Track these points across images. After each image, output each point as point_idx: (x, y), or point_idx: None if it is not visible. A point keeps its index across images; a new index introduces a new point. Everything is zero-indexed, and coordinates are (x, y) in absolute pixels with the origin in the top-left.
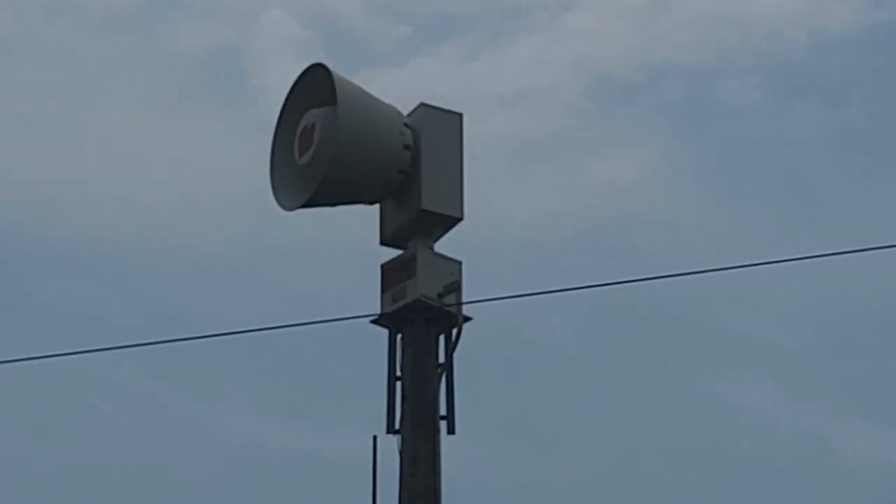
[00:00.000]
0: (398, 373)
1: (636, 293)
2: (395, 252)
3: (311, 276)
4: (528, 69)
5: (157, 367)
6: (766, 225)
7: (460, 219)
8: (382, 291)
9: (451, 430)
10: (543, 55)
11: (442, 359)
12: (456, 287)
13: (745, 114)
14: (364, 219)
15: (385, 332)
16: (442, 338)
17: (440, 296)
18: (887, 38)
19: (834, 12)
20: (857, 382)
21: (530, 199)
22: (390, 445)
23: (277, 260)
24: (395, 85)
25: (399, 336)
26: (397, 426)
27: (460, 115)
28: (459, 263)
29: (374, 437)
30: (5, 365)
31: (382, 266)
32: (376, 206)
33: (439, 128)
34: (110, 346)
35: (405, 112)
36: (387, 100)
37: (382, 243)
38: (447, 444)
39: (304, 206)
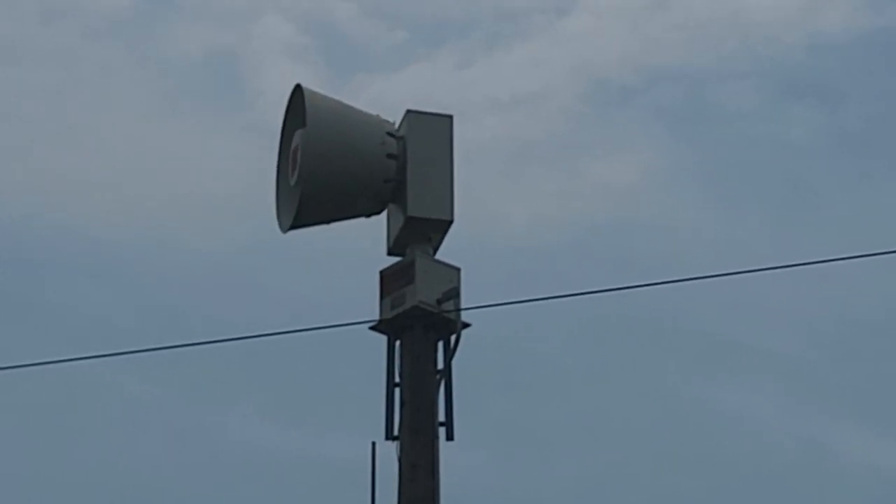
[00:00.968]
0: (397, 379)
1: (634, 298)
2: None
3: (311, 281)
4: (524, 73)
5: (158, 372)
6: (764, 228)
7: (450, 221)
8: (381, 298)
9: (449, 437)
10: (540, 59)
11: (441, 365)
12: (454, 293)
13: (742, 117)
14: (368, 226)
15: (384, 339)
16: (441, 344)
17: (439, 302)
18: (884, 41)
19: (831, 16)
20: (856, 388)
21: (527, 202)
22: (389, 451)
23: (277, 264)
24: (391, 90)
25: (398, 342)
26: (396, 432)
27: (450, 118)
28: (458, 270)
29: (373, 444)
30: (6, 371)
31: (381, 272)
32: (383, 216)
33: (427, 133)
34: (111, 351)
35: (399, 118)
36: (381, 105)
37: (389, 253)
38: (446, 451)
39: (296, 226)
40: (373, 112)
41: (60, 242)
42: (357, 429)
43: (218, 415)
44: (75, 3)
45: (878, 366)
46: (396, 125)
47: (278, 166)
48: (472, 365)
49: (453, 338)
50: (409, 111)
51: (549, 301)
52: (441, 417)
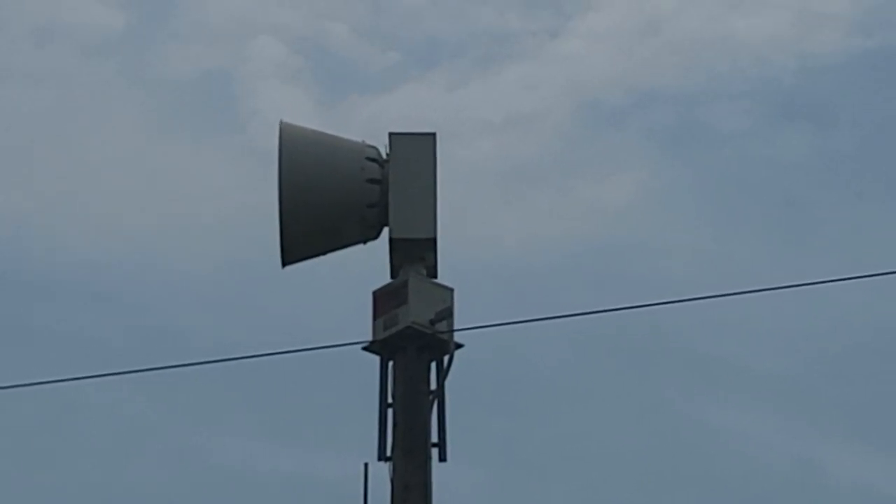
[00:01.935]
0: (390, 399)
1: (627, 319)
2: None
3: (304, 301)
4: (517, 94)
5: (151, 392)
6: (757, 249)
7: (433, 239)
8: (374, 318)
9: (442, 458)
10: (532, 80)
11: (434, 386)
12: (448, 314)
13: (734, 138)
14: (365, 248)
15: (377, 359)
16: (434, 365)
17: (432, 322)
18: (875, 63)
19: (822, 38)
20: (849, 407)
21: (520, 223)
22: (382, 472)
23: (271, 285)
24: (384, 111)
25: (391, 363)
26: (389, 453)
27: (433, 135)
28: (451, 290)
29: (366, 464)
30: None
31: (374, 293)
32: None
33: (410, 153)
34: (104, 372)
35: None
36: (374, 126)
37: (394, 276)
38: (439, 471)
39: (290, 261)
40: (359, 136)
41: (52, 263)
42: (349, 449)
43: (211, 435)
44: (68, 24)
45: (872, 385)
46: (386, 147)
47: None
48: (465, 386)
49: (446, 358)
50: (391, 134)
51: (543, 322)
52: (434, 438)
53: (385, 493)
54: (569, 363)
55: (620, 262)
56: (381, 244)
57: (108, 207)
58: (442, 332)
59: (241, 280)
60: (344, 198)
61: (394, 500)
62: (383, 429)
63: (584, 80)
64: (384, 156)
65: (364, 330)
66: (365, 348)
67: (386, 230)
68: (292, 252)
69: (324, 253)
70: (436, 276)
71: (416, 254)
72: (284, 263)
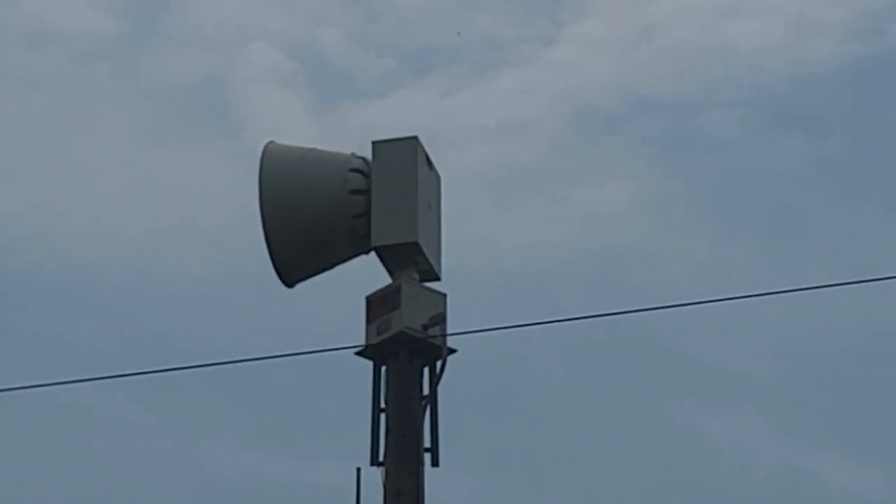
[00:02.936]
0: (382, 405)
1: (621, 325)
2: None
3: (297, 306)
4: (511, 101)
5: (145, 398)
6: (750, 255)
7: (415, 242)
8: (367, 323)
9: (435, 463)
10: (526, 87)
11: (426, 391)
12: (440, 319)
13: (728, 145)
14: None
15: (370, 364)
16: (426, 370)
17: (425, 327)
18: (868, 71)
19: (815, 46)
20: (841, 415)
21: (514, 229)
22: (374, 478)
23: (263, 288)
24: (377, 117)
25: (384, 368)
26: (381, 458)
27: (414, 139)
28: (444, 295)
29: (358, 470)
30: None
31: (367, 298)
32: None
33: (392, 159)
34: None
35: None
36: (368, 132)
37: None
38: (431, 477)
39: (289, 282)
40: (352, 142)
41: (45, 267)
42: (342, 454)
43: (203, 440)
44: (62, 28)
45: (864, 393)
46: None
47: None
48: (457, 391)
49: (439, 363)
50: (374, 142)
51: (536, 327)
52: (426, 443)
53: (378, 498)
54: (562, 369)
55: (615, 269)
56: None
57: (102, 212)
58: (435, 337)
59: (235, 286)
60: (329, 212)
61: None
62: (376, 434)
63: (578, 86)
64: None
65: (357, 335)
66: (358, 353)
67: None
68: (288, 273)
69: (323, 269)
70: (438, 278)
71: (407, 258)
72: (287, 285)
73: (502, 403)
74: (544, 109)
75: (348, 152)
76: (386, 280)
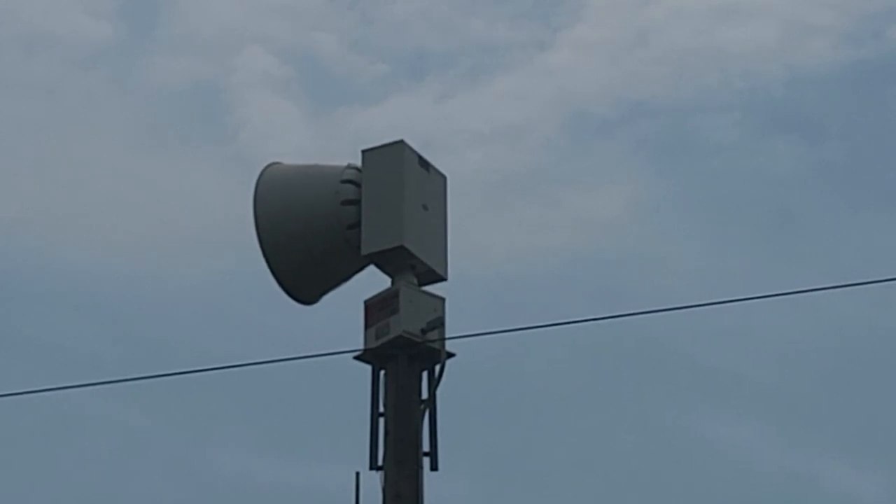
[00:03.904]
0: (381, 409)
1: (618, 329)
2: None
3: (296, 311)
4: (505, 105)
5: (144, 403)
6: (747, 259)
7: (401, 247)
8: (366, 327)
9: (434, 467)
10: (521, 92)
11: (425, 395)
12: (439, 323)
13: (723, 149)
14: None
15: (368, 368)
16: (425, 374)
17: (423, 332)
18: (864, 74)
19: (810, 49)
20: (841, 417)
21: (509, 234)
22: (373, 482)
23: (260, 292)
24: (372, 122)
25: (382, 372)
26: (380, 462)
27: (400, 143)
28: (443, 300)
29: (357, 474)
30: None
31: (366, 302)
32: None
33: (379, 166)
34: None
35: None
36: (363, 138)
37: None
38: (430, 481)
39: (304, 300)
40: (348, 147)
41: (42, 273)
42: (341, 459)
43: (203, 445)
44: (57, 33)
45: (862, 396)
46: None
47: None
48: (456, 395)
49: (438, 367)
50: (363, 151)
51: (534, 331)
52: (425, 447)
53: (377, 502)
54: (560, 373)
55: (610, 274)
56: None
57: (98, 217)
58: (433, 341)
59: (233, 290)
60: (323, 225)
61: None
62: (375, 438)
63: (573, 91)
64: None
65: (356, 339)
66: (357, 357)
67: None
68: (300, 291)
69: (337, 282)
70: (443, 279)
71: (403, 263)
72: (305, 303)
73: (501, 407)
74: (539, 114)
75: (345, 163)
76: (386, 284)
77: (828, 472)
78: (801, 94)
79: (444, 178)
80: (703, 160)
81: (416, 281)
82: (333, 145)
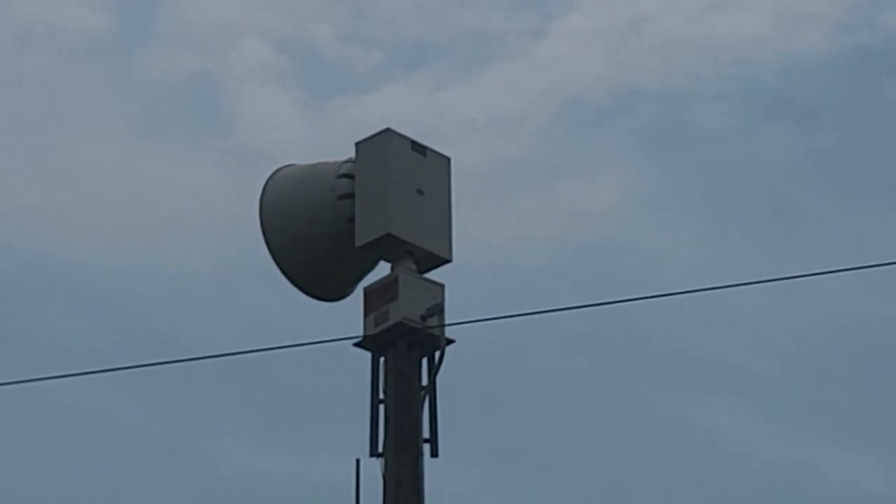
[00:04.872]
0: (381, 396)
1: (616, 317)
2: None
3: (293, 298)
4: (500, 95)
5: (140, 393)
6: (743, 248)
7: (387, 234)
8: (365, 314)
9: (434, 454)
10: (515, 81)
11: (425, 381)
12: (438, 309)
13: (718, 138)
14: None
15: (368, 355)
16: (425, 360)
17: (423, 318)
18: (857, 62)
19: (804, 37)
20: (837, 406)
21: (504, 224)
22: (373, 469)
23: (258, 283)
24: (368, 112)
25: (382, 359)
26: (380, 449)
27: (387, 130)
28: (442, 286)
29: (357, 461)
30: None
31: (365, 289)
32: None
33: (373, 156)
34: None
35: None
36: (360, 127)
37: None
38: (430, 468)
39: (329, 297)
40: (345, 137)
41: (39, 266)
42: (341, 446)
43: (202, 434)
44: (52, 27)
45: (860, 384)
46: None
47: None
48: (456, 381)
49: (437, 354)
50: (357, 143)
51: (532, 320)
52: (426, 434)
53: (377, 489)
54: (559, 359)
55: (605, 263)
56: None
57: (94, 210)
58: (433, 328)
59: (231, 280)
60: (322, 221)
61: (386, 497)
62: (375, 425)
63: (567, 80)
64: None
65: (355, 326)
66: (356, 344)
67: None
68: (322, 290)
69: (358, 274)
70: (447, 261)
71: (400, 250)
72: (331, 300)
73: (501, 394)
74: (533, 103)
75: (344, 157)
76: (386, 271)
77: (825, 460)
78: (795, 83)
79: (447, 160)
80: (697, 149)
81: (415, 267)
82: (329, 136)
